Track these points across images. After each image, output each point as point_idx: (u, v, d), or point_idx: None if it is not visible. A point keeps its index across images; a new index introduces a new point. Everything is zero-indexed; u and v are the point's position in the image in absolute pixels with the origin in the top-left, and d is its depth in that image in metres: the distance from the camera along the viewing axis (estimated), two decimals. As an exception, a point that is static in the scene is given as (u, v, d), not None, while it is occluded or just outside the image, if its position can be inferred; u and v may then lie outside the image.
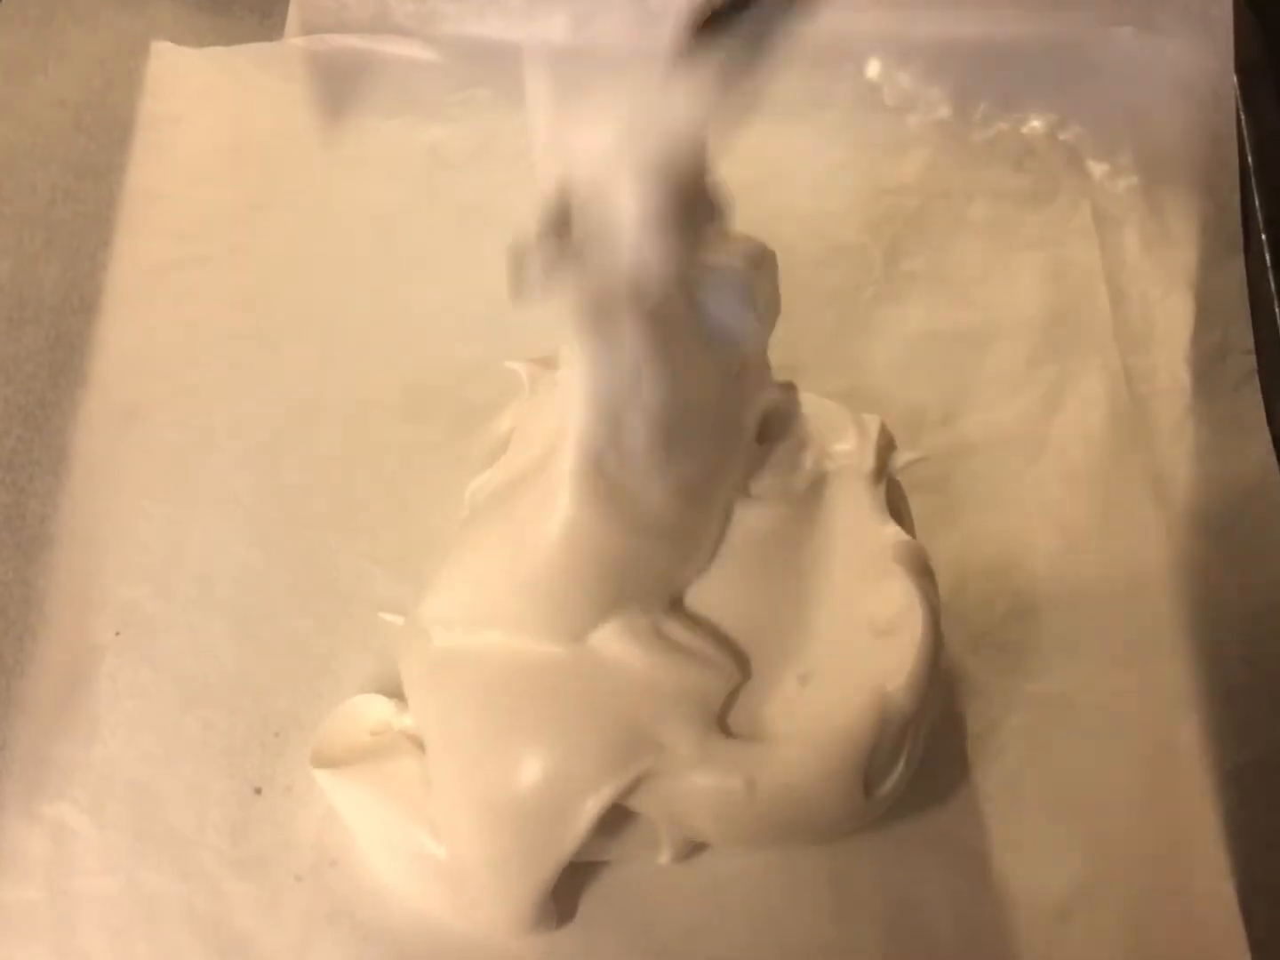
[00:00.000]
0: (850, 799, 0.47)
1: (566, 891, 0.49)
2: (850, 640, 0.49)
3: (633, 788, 0.46)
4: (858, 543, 0.50)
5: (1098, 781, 0.53)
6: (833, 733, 0.46)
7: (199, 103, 0.70)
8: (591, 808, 0.46)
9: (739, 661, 0.49)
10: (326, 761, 0.51)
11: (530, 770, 0.46)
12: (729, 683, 0.48)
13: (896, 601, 0.48)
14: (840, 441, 0.52)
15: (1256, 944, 0.50)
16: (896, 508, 0.52)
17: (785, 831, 0.49)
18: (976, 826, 0.52)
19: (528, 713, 0.47)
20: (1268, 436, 0.60)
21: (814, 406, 0.53)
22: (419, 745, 0.50)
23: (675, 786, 0.47)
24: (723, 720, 0.47)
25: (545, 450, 0.49)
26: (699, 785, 0.46)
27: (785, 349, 0.52)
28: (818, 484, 0.51)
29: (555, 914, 0.49)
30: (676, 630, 0.48)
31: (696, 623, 0.49)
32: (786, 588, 0.50)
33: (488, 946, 0.50)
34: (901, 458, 0.52)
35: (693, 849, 0.51)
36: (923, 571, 0.49)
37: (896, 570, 0.48)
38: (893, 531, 0.50)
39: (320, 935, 0.50)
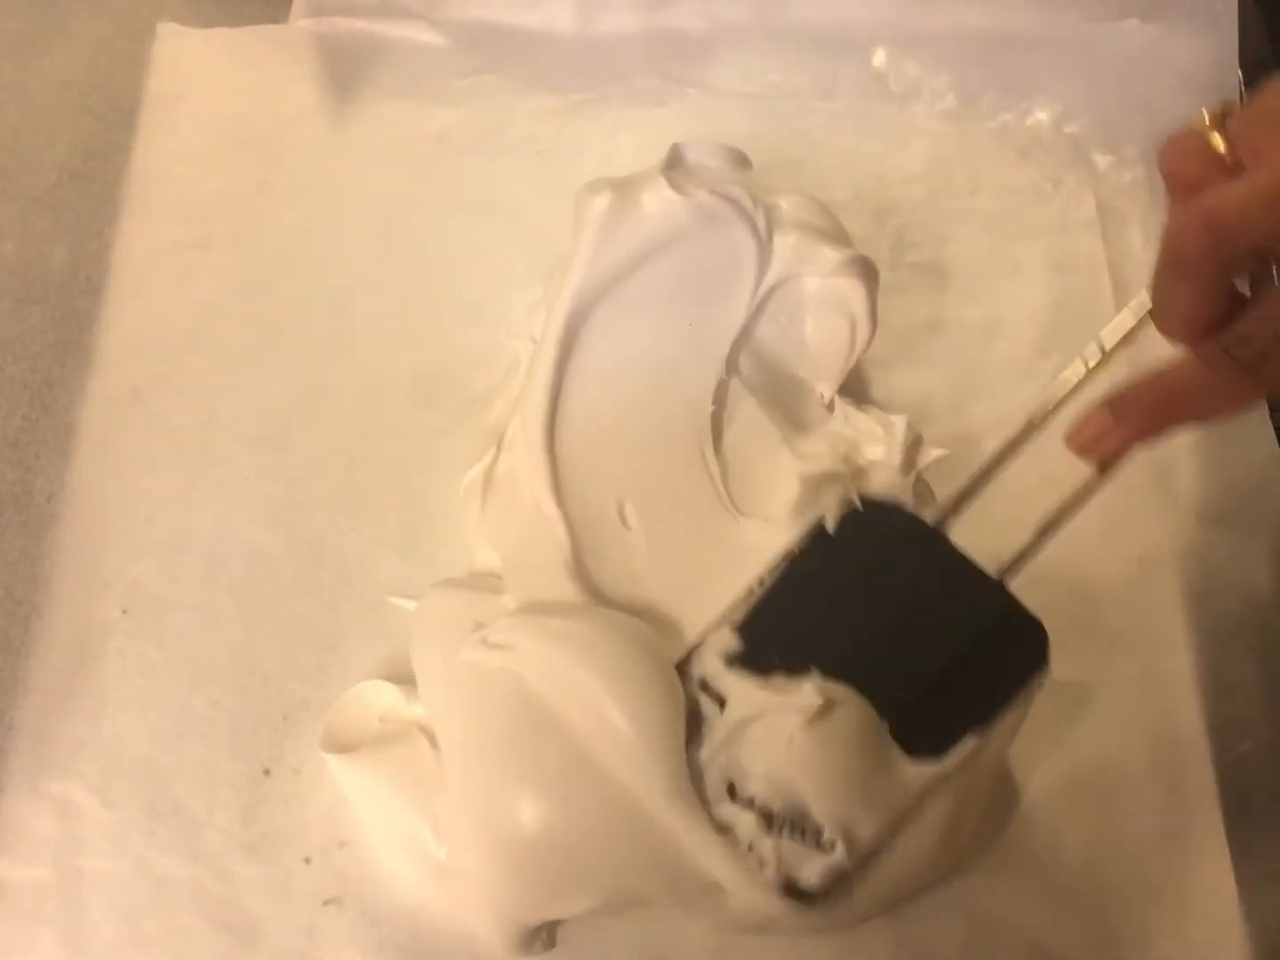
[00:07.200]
0: (934, 863, 0.48)
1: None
2: None
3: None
4: None
5: (1102, 769, 0.54)
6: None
7: (205, 83, 0.70)
8: (593, 903, 0.47)
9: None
10: (336, 746, 0.51)
11: (542, 837, 0.46)
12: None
13: None
14: (869, 442, 0.54)
15: (1255, 931, 0.51)
16: (924, 501, 0.52)
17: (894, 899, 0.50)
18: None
19: (561, 782, 0.47)
20: (1270, 428, 0.61)
21: (840, 408, 0.56)
22: (429, 736, 0.51)
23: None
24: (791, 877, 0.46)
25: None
26: None
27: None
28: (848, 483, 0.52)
29: (545, 940, 0.49)
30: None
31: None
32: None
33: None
34: (929, 454, 0.53)
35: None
36: None
37: None
38: None
39: (329, 917, 0.50)
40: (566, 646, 0.48)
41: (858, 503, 0.49)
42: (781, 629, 0.48)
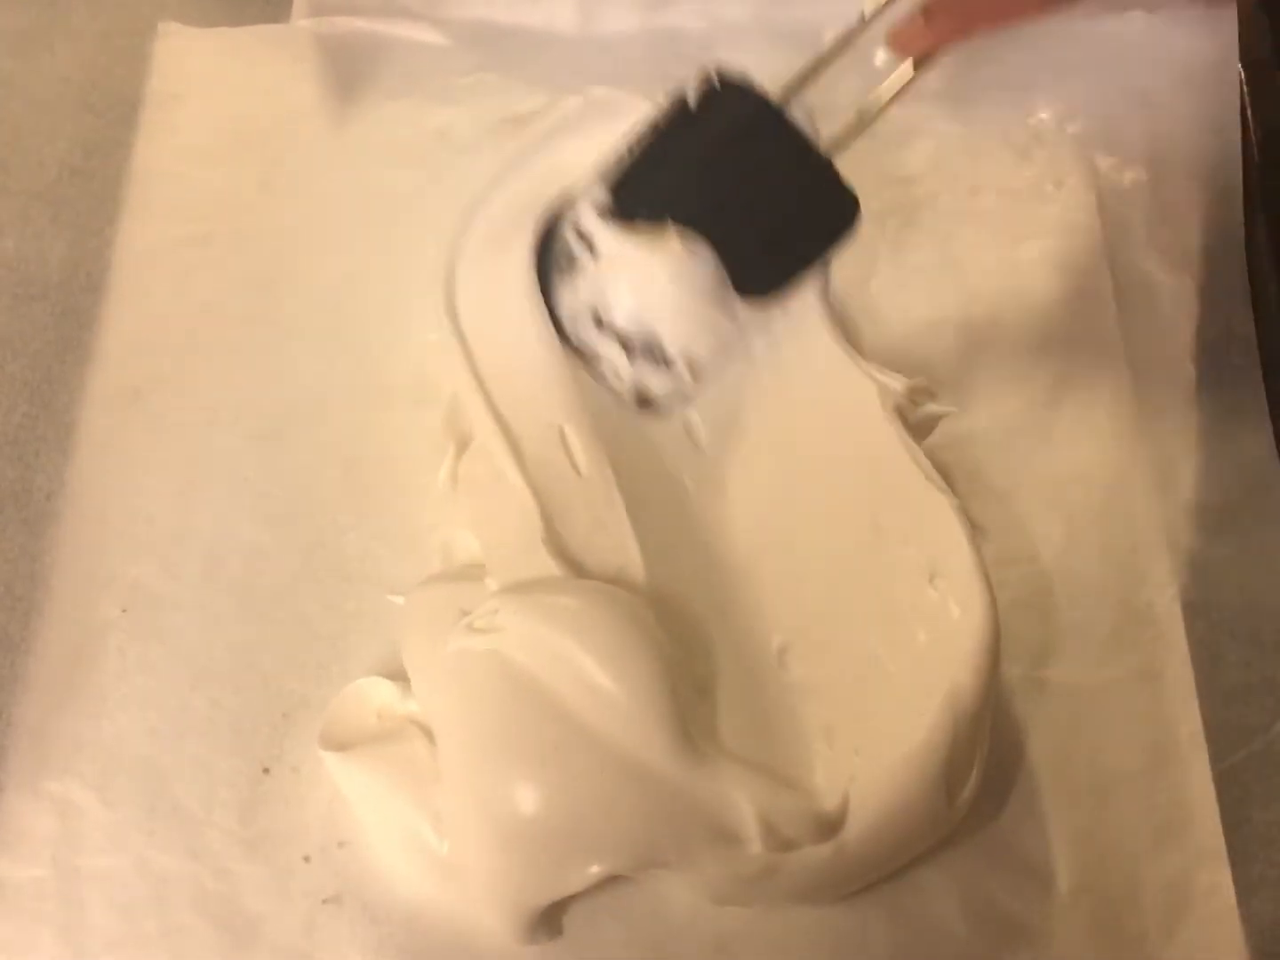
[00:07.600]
0: (935, 815, 0.48)
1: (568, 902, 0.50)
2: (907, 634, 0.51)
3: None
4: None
5: (1100, 773, 0.53)
6: (907, 756, 0.47)
7: (205, 82, 0.70)
8: (596, 873, 0.47)
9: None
10: (334, 744, 0.51)
11: (545, 814, 0.46)
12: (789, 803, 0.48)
13: (955, 581, 0.50)
14: None
15: (1254, 934, 0.51)
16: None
17: (874, 874, 0.50)
18: (980, 812, 0.52)
19: (557, 756, 0.47)
20: (1269, 427, 0.61)
21: None
22: (425, 731, 0.51)
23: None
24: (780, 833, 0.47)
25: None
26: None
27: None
28: None
29: (550, 929, 0.50)
30: (722, 761, 0.48)
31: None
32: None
33: (494, 931, 0.50)
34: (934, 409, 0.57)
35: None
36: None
37: (960, 545, 0.50)
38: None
39: (328, 915, 0.50)
40: (550, 621, 0.48)
41: (716, 80, 0.54)
42: (646, 188, 0.55)
